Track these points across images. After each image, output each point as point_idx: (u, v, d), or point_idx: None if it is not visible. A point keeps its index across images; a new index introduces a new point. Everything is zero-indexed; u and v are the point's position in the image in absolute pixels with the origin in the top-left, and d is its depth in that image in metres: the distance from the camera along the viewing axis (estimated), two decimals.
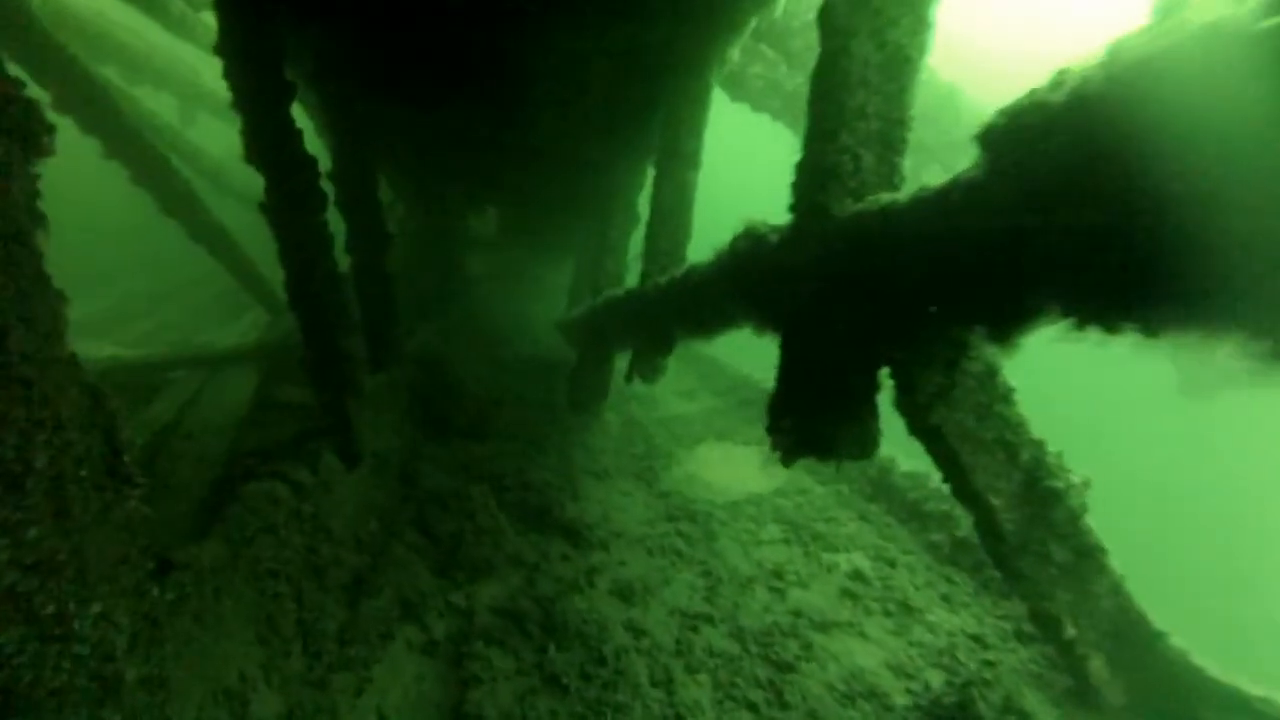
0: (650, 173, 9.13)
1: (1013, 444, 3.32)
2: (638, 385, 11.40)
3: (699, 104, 5.91)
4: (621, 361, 11.17)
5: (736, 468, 7.39)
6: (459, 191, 9.75)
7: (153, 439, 6.47)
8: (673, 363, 11.54)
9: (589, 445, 7.90)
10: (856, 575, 5.20)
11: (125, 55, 10.39)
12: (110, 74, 10.43)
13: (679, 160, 6.00)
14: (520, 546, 5.29)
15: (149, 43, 10.90)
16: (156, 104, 11.26)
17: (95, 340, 11.10)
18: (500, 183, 9.11)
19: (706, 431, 8.81)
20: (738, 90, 8.20)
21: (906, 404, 3.11)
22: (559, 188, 9.09)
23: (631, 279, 8.10)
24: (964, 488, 3.28)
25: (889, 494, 6.16)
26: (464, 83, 6.03)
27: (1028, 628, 4.39)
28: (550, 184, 8.98)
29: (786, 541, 5.65)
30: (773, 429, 3.54)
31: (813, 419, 3.35)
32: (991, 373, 3.25)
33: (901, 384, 3.09)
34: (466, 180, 9.09)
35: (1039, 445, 3.40)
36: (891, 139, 3.36)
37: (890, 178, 3.38)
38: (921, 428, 3.15)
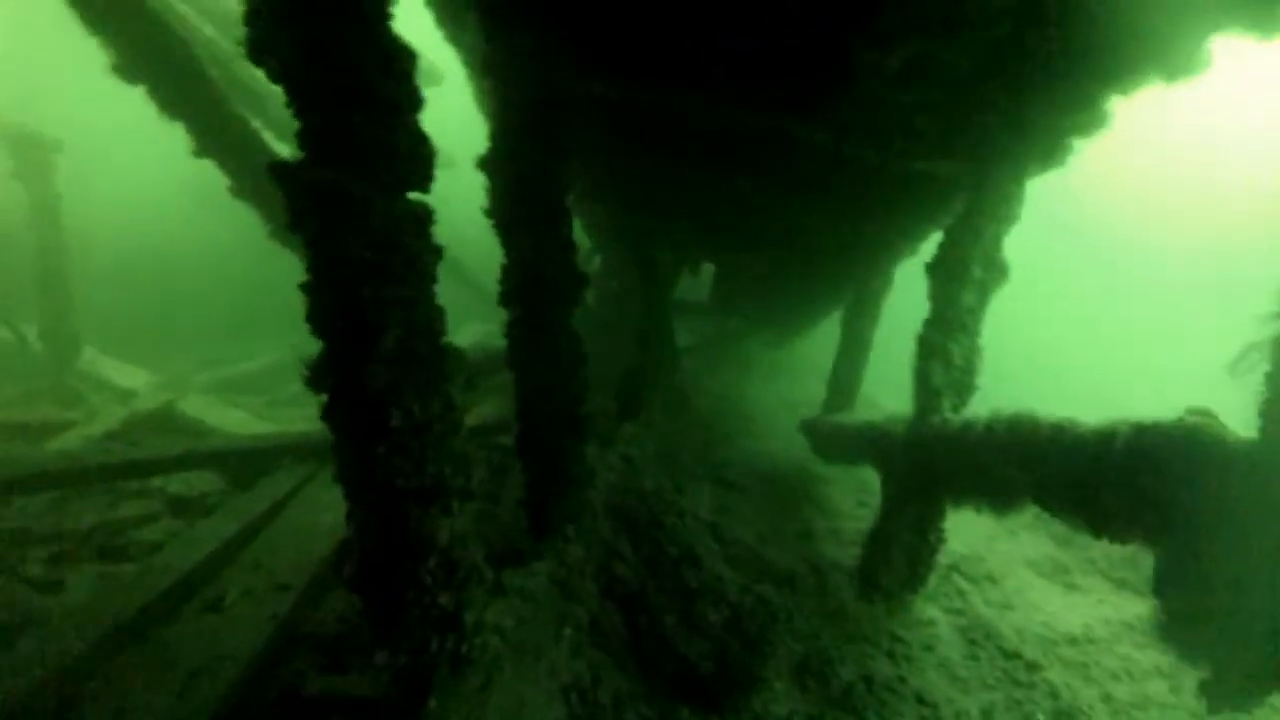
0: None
1: None
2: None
3: None
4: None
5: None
6: (677, 232, 6.54)
7: (136, 616, 3.40)
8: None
9: (937, 707, 3.73)
10: None
11: None
12: None
13: None
14: None
15: None
16: None
17: (237, 397, 9.25)
18: (737, 226, 5.77)
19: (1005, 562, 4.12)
20: None
21: None
22: (831, 216, 5.47)
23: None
24: None
25: None
26: None
27: None
28: (816, 215, 5.41)
29: None
30: None
31: None
32: None
33: None
34: (689, 218, 5.84)
35: None
36: None
37: None
38: None
